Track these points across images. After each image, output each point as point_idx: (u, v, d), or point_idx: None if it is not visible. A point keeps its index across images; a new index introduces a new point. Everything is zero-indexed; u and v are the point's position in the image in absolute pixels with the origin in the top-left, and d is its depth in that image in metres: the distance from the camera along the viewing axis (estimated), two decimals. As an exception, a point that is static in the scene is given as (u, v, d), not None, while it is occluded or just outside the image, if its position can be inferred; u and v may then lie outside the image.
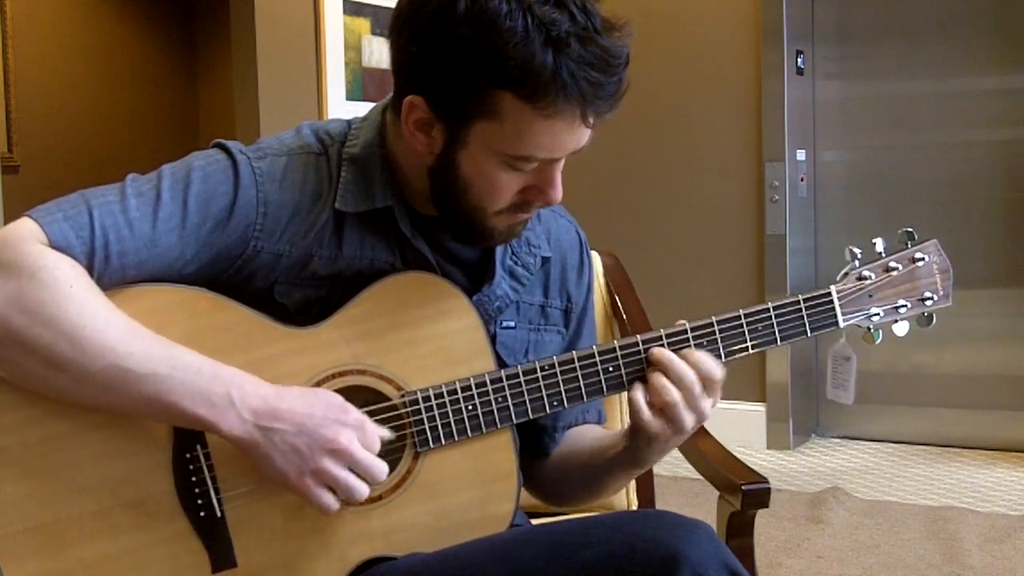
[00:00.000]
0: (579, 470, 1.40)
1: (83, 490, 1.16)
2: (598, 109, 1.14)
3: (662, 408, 1.22)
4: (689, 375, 1.22)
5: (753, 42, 4.17)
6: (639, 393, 1.23)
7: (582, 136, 1.17)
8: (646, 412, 1.23)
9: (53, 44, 5.82)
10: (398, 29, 1.19)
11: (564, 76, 1.10)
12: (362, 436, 1.16)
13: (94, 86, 6.05)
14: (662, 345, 1.25)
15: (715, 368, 1.23)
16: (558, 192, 1.21)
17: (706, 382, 1.23)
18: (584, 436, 1.43)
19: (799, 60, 4.19)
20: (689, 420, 1.23)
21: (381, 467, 1.16)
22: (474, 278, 1.32)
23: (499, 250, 1.32)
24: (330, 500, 1.15)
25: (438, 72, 1.15)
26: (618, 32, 1.15)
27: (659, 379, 1.22)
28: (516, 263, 1.35)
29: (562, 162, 1.20)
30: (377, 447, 1.17)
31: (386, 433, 1.19)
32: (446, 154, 1.19)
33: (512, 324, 1.35)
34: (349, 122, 1.32)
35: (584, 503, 1.47)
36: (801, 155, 4.23)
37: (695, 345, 1.25)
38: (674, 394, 1.21)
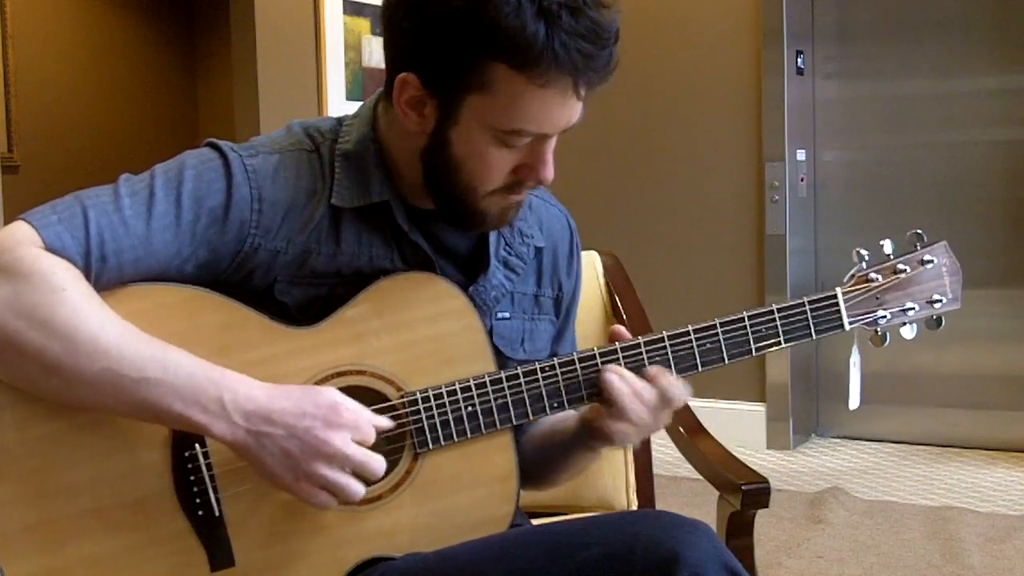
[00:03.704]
0: (537, 451, 1.40)
1: (82, 488, 1.16)
2: (589, 80, 1.15)
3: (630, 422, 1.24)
4: (650, 399, 1.23)
5: (753, 42, 4.16)
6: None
7: (573, 111, 1.18)
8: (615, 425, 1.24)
9: (53, 44, 5.82)
10: (391, 9, 1.20)
11: (556, 46, 1.11)
12: (356, 434, 1.15)
13: (94, 86, 6.05)
14: (664, 348, 1.25)
15: (681, 395, 1.24)
16: (550, 170, 1.21)
17: (666, 404, 1.24)
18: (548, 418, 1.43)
19: (799, 60, 4.19)
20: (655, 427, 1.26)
21: (378, 463, 1.16)
22: (469, 270, 1.32)
23: (493, 241, 1.33)
24: (326, 500, 1.15)
25: (430, 46, 1.16)
26: (607, 8, 1.16)
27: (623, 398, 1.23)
28: (510, 253, 1.35)
29: (554, 141, 1.21)
30: (372, 440, 1.17)
31: (385, 423, 1.19)
32: (438, 132, 1.20)
33: (507, 315, 1.35)
34: (339, 119, 1.32)
35: (548, 484, 1.46)
36: (801, 155, 4.23)
37: (698, 347, 1.25)
38: (641, 414, 1.23)
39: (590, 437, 1.30)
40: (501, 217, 1.26)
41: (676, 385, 1.24)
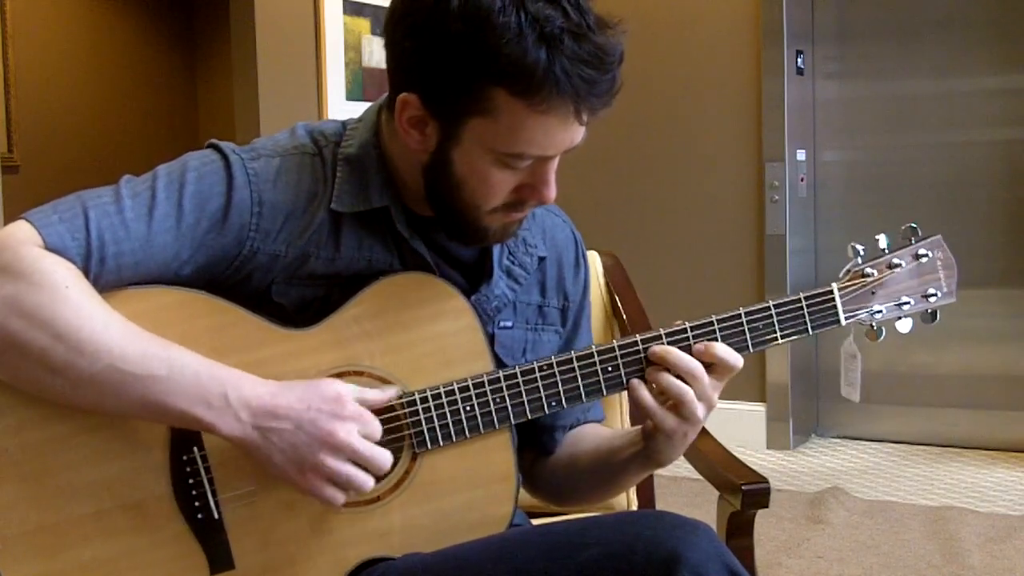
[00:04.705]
0: (591, 470, 1.40)
1: (81, 492, 1.16)
2: (592, 106, 1.14)
3: (674, 405, 1.23)
4: (696, 367, 1.22)
5: (753, 42, 4.16)
6: (644, 393, 1.23)
7: (576, 134, 1.17)
8: (659, 410, 1.23)
9: (53, 44, 5.82)
10: (393, 26, 1.19)
11: (558, 72, 1.10)
12: (362, 426, 1.15)
13: (94, 86, 6.05)
14: (662, 344, 1.25)
15: (734, 357, 1.24)
16: (552, 191, 1.20)
17: (723, 370, 1.23)
18: (592, 436, 1.43)
19: (799, 60, 4.19)
20: (702, 411, 1.24)
21: (384, 456, 1.16)
22: (472, 278, 1.32)
23: (496, 250, 1.32)
24: (334, 494, 1.15)
25: (431, 68, 1.15)
26: (611, 30, 1.14)
27: (666, 377, 1.22)
28: (513, 263, 1.35)
29: (556, 160, 1.20)
30: (379, 435, 1.17)
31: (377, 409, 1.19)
32: (440, 152, 1.19)
33: (509, 324, 1.35)
34: (344, 123, 1.32)
35: (594, 502, 1.47)
36: (801, 155, 4.23)
37: (695, 345, 1.25)
38: (684, 390, 1.22)
39: (656, 447, 1.29)
40: (503, 232, 1.26)
41: (726, 349, 1.24)
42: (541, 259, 1.39)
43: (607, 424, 1.56)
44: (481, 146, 1.16)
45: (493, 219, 1.22)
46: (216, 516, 1.19)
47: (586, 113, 1.14)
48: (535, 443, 1.43)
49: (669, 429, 1.24)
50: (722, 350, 1.23)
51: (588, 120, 1.16)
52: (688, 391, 1.22)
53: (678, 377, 1.22)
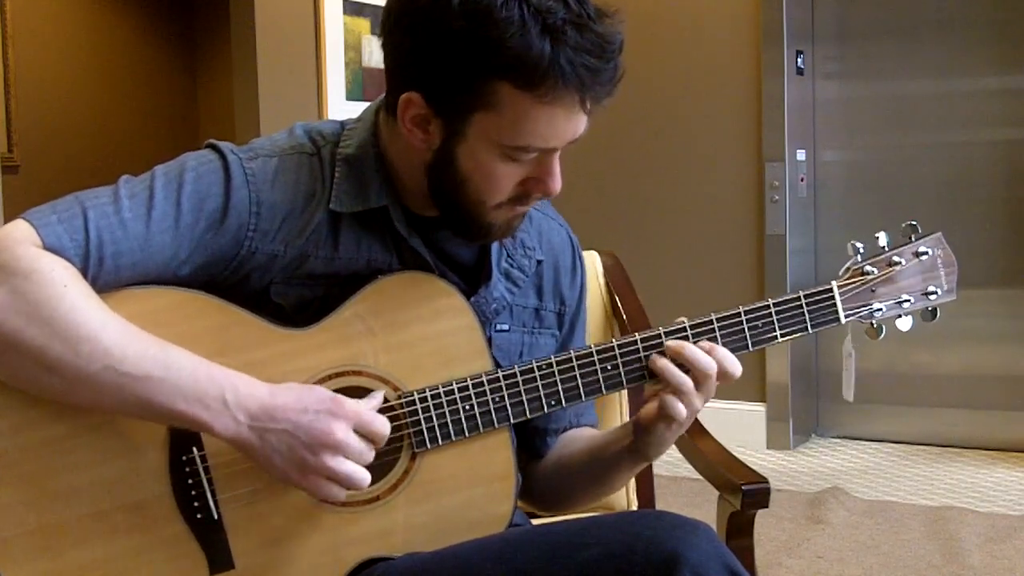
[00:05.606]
0: (582, 469, 1.40)
1: (80, 493, 1.16)
2: (596, 95, 1.15)
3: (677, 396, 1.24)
4: (711, 367, 1.23)
5: (753, 42, 4.16)
6: (667, 362, 1.24)
7: (580, 124, 1.18)
8: (670, 398, 1.24)
9: (53, 44, 5.82)
10: (391, 25, 1.19)
11: (562, 63, 1.10)
12: (361, 425, 1.15)
13: (94, 86, 6.05)
14: (660, 343, 1.25)
15: (735, 366, 1.24)
16: (557, 182, 1.21)
17: (721, 376, 1.24)
18: (580, 437, 1.43)
19: (799, 60, 4.19)
20: (699, 405, 1.25)
21: (370, 455, 1.16)
22: (470, 280, 1.32)
23: (494, 252, 1.32)
24: (336, 492, 1.16)
25: (434, 66, 1.15)
26: (610, 19, 1.15)
27: (679, 374, 1.23)
28: (512, 265, 1.35)
29: (559, 152, 1.20)
30: (387, 430, 1.17)
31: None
32: (444, 149, 1.19)
33: (506, 327, 1.35)
34: (343, 123, 1.32)
35: (582, 505, 1.46)
36: (801, 155, 4.23)
37: (695, 343, 1.25)
38: (691, 385, 1.23)
39: (646, 440, 1.29)
40: (507, 228, 1.26)
41: (728, 357, 1.25)
42: (538, 262, 1.39)
43: (606, 425, 1.56)
44: (486, 141, 1.16)
45: (498, 214, 1.23)
46: (216, 516, 1.19)
47: (591, 102, 1.15)
48: (527, 446, 1.43)
49: (671, 416, 1.24)
50: (725, 356, 1.24)
51: (592, 109, 1.16)
52: (691, 386, 1.23)
53: (694, 377, 1.23)
